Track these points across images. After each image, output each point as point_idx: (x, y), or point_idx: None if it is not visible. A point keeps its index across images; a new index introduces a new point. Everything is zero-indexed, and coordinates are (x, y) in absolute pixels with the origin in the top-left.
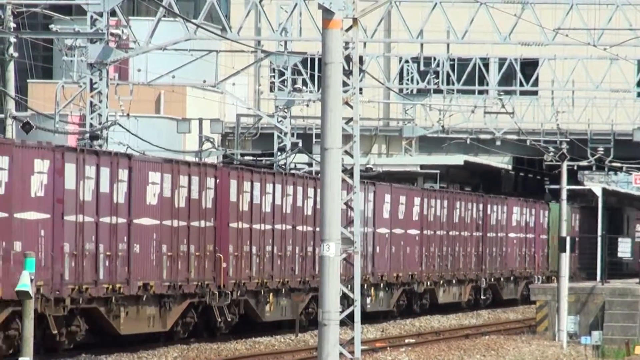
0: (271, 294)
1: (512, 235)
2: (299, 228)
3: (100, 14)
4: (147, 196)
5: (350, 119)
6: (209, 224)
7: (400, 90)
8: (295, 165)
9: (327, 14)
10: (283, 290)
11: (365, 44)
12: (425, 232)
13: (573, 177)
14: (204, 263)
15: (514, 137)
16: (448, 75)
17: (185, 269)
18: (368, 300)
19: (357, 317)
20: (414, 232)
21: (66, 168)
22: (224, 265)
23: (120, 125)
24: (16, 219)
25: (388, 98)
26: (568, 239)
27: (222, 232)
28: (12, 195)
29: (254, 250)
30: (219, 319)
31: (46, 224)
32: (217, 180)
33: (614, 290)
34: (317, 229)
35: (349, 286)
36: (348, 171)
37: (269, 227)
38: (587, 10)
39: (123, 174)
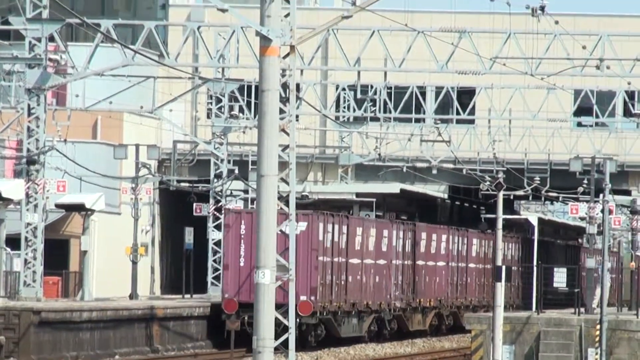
0: None
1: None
2: None
3: (39, 39)
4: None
5: (287, 146)
6: None
7: (337, 117)
8: (231, 192)
9: (265, 40)
10: None
11: (302, 71)
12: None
13: (509, 207)
14: None
15: (450, 165)
16: (385, 103)
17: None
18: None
19: (292, 344)
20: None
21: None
22: None
23: (57, 150)
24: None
25: (324, 125)
26: (503, 268)
27: None
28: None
29: None
30: None
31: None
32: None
33: (549, 320)
34: None
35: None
36: (284, 198)
37: None
38: (525, 39)
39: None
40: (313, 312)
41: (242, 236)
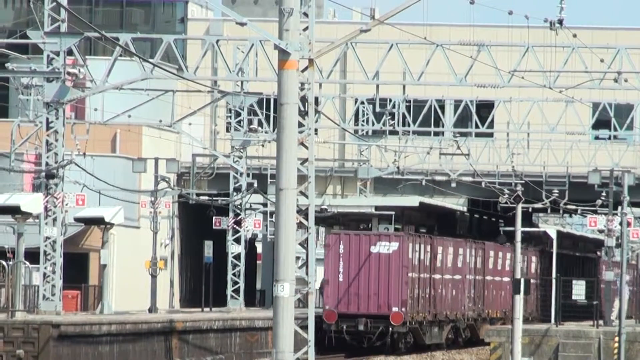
0: None
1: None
2: None
3: (57, 53)
4: None
5: (306, 160)
6: None
7: (356, 131)
8: (250, 206)
9: (283, 54)
10: None
11: (320, 84)
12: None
13: (528, 219)
14: None
15: (469, 178)
16: (404, 116)
17: None
18: None
19: (311, 358)
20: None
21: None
22: None
23: (76, 164)
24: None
25: (343, 139)
26: (522, 281)
27: None
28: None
29: None
30: None
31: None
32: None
33: (568, 332)
34: None
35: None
36: (303, 212)
37: None
38: (543, 52)
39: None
40: (404, 321)
41: (341, 255)
